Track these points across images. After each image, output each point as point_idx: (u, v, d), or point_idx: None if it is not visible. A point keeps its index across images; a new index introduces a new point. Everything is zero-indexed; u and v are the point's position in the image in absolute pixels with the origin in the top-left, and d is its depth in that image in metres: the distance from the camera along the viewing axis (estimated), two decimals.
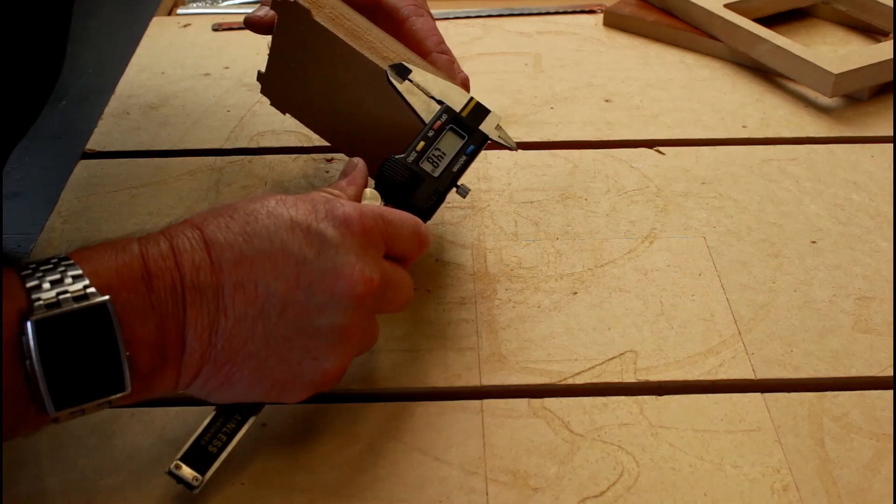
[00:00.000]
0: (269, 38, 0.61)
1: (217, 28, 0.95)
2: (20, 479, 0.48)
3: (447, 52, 0.61)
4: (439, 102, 0.56)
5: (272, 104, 0.66)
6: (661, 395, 0.53)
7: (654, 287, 0.60)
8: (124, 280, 0.42)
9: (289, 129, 0.76)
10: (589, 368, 0.55)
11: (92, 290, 0.41)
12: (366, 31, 0.58)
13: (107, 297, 0.41)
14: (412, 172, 0.54)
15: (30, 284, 0.40)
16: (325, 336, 0.45)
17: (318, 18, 0.57)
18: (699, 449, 0.50)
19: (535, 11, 0.98)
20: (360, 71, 0.57)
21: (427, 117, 0.55)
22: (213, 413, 0.47)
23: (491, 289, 0.60)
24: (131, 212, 0.68)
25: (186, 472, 0.45)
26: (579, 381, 0.54)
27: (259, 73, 0.64)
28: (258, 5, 0.64)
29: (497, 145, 0.58)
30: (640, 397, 0.53)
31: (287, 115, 0.66)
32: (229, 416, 0.47)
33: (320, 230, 0.45)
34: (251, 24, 0.62)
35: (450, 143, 0.55)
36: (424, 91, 0.56)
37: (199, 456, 0.46)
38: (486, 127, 0.56)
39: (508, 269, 0.62)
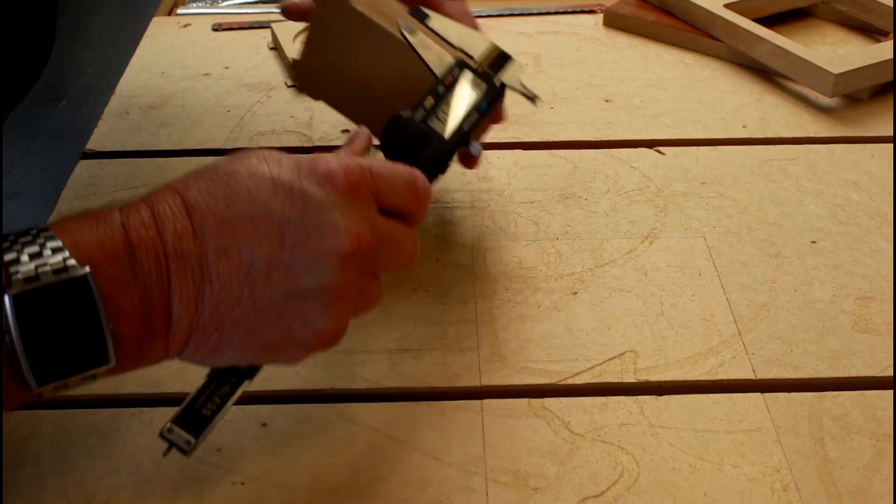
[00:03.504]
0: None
1: (217, 28, 0.95)
2: (20, 479, 0.48)
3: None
4: (456, 52, 0.51)
5: (301, 90, 0.64)
6: (661, 395, 0.53)
7: (654, 287, 0.60)
8: (106, 252, 0.41)
9: (289, 129, 0.76)
10: (589, 368, 0.55)
11: (72, 262, 0.39)
12: (402, 18, 0.58)
13: (87, 270, 0.39)
14: (419, 131, 0.50)
15: (8, 257, 0.39)
16: (315, 297, 0.44)
17: (355, 5, 0.56)
18: (699, 449, 0.50)
19: (535, 11, 0.98)
20: (398, 57, 0.56)
21: (439, 71, 0.52)
22: (208, 376, 0.45)
23: (491, 289, 0.60)
24: None
25: (179, 434, 0.43)
26: (579, 381, 0.54)
27: (293, 60, 0.63)
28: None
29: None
30: (640, 397, 0.53)
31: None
32: (224, 379, 0.45)
33: (303, 188, 0.43)
34: (288, 11, 0.63)
35: (461, 100, 0.52)
36: (443, 37, 0.52)
37: (192, 419, 0.44)
38: (506, 76, 0.53)
39: (508, 269, 0.62)
